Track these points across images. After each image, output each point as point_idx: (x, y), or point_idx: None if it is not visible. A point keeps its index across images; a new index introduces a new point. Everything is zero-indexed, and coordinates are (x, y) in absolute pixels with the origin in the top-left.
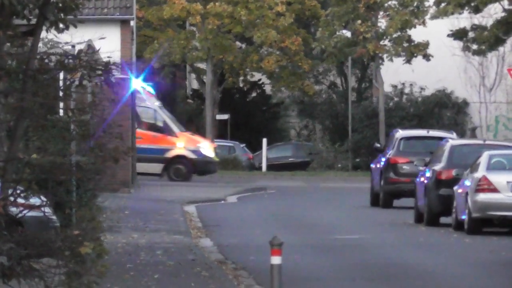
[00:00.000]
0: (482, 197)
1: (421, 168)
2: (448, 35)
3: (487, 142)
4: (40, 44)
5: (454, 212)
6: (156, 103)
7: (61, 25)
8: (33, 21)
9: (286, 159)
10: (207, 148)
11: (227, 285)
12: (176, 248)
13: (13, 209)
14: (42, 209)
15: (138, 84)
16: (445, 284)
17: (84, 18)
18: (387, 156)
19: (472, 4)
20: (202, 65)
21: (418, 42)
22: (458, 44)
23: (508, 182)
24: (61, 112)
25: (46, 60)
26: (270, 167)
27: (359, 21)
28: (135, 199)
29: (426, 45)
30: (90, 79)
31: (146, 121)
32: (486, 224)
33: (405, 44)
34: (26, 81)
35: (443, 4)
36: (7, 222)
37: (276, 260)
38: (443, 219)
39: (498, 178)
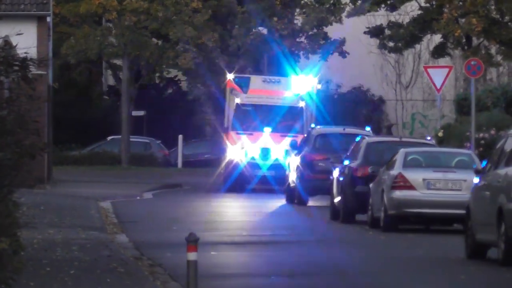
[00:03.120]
0: (398, 194)
1: (336, 165)
2: (365, 32)
3: (403, 139)
4: None
5: (370, 209)
6: None
7: None
8: None
9: (202, 156)
10: None
11: (143, 281)
12: (92, 244)
13: None
14: None
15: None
16: (361, 280)
17: (0, 14)
18: (303, 153)
19: (389, 1)
20: (118, 62)
21: (334, 39)
22: (375, 41)
23: (424, 180)
24: None
25: None
26: (186, 163)
27: (275, 18)
28: (51, 195)
29: (342, 42)
30: (7, 75)
31: None
32: (402, 221)
33: (321, 41)
34: None
35: (359, 2)
36: None
37: (192, 256)
38: (358, 216)
39: (414, 176)
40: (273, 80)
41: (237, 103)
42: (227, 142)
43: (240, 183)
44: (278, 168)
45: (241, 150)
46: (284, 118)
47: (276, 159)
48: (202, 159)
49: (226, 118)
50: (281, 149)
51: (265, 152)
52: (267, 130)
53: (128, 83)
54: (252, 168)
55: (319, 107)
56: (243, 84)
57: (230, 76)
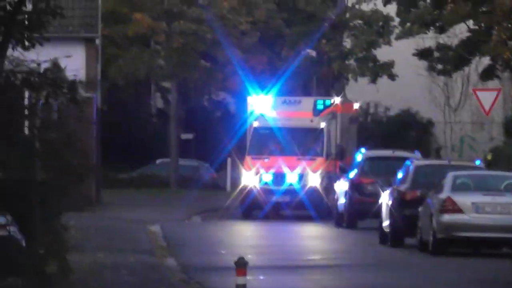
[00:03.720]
0: (447, 218)
1: (385, 188)
2: (413, 55)
3: (452, 162)
4: (6, 62)
5: (419, 232)
6: None
7: (27, 43)
8: None
9: None
10: None
11: None
12: (141, 268)
13: None
14: (8, 228)
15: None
16: None
17: (49, 36)
18: (352, 176)
19: (437, 24)
20: (166, 84)
21: (383, 61)
22: (423, 64)
23: (472, 203)
24: (27, 129)
25: (12, 78)
26: (235, 186)
27: (324, 41)
28: (100, 218)
29: (391, 64)
30: (56, 97)
31: None
32: (451, 245)
33: (370, 64)
34: None
35: (408, 24)
36: None
37: (241, 280)
38: (407, 240)
39: (463, 199)
40: (293, 101)
41: (254, 127)
42: (242, 168)
43: (254, 209)
44: (292, 194)
45: (255, 175)
46: (303, 141)
47: (290, 184)
48: None
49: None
50: (296, 174)
51: (279, 177)
52: (284, 154)
53: (177, 106)
54: (266, 194)
55: (342, 129)
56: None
57: (249, 99)
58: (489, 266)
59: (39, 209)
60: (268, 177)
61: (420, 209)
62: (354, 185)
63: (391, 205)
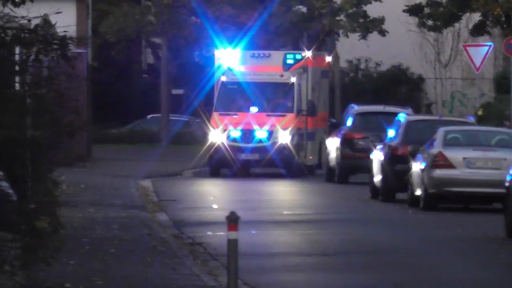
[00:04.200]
0: (438, 173)
1: (376, 143)
2: (404, 11)
3: (442, 118)
4: None
5: (410, 187)
6: None
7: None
8: None
9: None
10: None
11: (184, 260)
12: (132, 223)
13: None
14: None
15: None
16: (399, 259)
17: None
18: (343, 131)
19: None
20: (157, 40)
21: (373, 17)
22: (414, 20)
23: (464, 158)
24: (17, 86)
25: (2, 35)
26: None
27: None
28: (91, 173)
29: (381, 20)
30: (46, 53)
31: None
32: (442, 200)
33: (361, 20)
34: None
35: None
36: None
37: (232, 235)
38: (398, 195)
39: (454, 154)
40: (262, 55)
41: (222, 81)
42: (211, 124)
43: (222, 167)
44: (262, 151)
45: (223, 132)
46: (273, 96)
47: (260, 141)
48: None
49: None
50: (266, 130)
51: (247, 134)
52: (253, 110)
53: (168, 62)
54: (234, 151)
55: (314, 83)
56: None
57: (216, 52)
58: (480, 221)
59: (30, 166)
60: (236, 134)
61: (411, 164)
62: (345, 141)
63: (383, 160)
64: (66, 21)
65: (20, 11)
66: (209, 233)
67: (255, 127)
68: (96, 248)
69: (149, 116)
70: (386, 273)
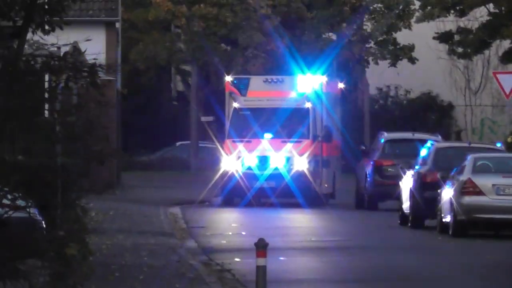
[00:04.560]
0: (468, 200)
1: (406, 170)
2: (434, 38)
3: (472, 145)
4: (26, 46)
5: (439, 214)
6: None
7: (47, 27)
8: (19, 22)
9: None
10: None
11: (212, 286)
12: (161, 250)
13: None
14: (28, 210)
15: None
16: (431, 286)
17: (69, 19)
18: (373, 158)
19: (458, 7)
20: (187, 67)
21: (403, 45)
22: (444, 47)
23: (493, 185)
24: (47, 113)
25: (32, 62)
26: None
27: (345, 24)
28: (120, 200)
29: (411, 48)
30: (76, 81)
31: None
32: (471, 227)
33: (391, 47)
34: (12, 82)
35: (429, 8)
36: None
37: (261, 261)
38: (428, 222)
39: (484, 181)
40: (275, 80)
41: (234, 108)
42: (222, 152)
43: (236, 195)
44: (278, 178)
45: (237, 159)
46: (287, 122)
47: (276, 168)
48: None
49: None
50: (282, 157)
51: (263, 160)
52: (267, 136)
53: (197, 89)
54: (248, 179)
55: (328, 109)
56: (241, 86)
57: (228, 78)
58: (510, 248)
59: (59, 193)
60: (251, 161)
61: (440, 191)
62: (375, 167)
63: (412, 187)
64: (95, 49)
65: (50, 39)
66: (237, 259)
67: (270, 153)
68: (125, 275)
69: (178, 143)
70: None
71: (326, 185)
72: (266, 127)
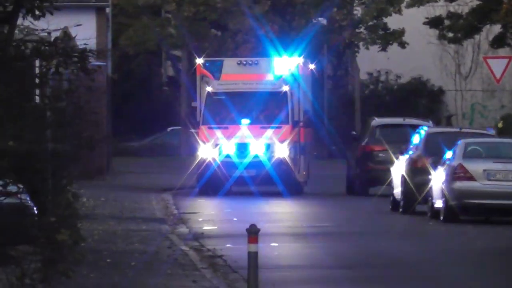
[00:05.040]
0: (459, 185)
1: (397, 156)
2: (424, 23)
3: (463, 130)
4: (16, 31)
5: (430, 200)
6: None
7: (37, 12)
8: (9, 8)
9: None
10: None
11: (204, 272)
12: (153, 236)
13: None
14: (19, 196)
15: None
16: (422, 272)
17: (60, 5)
18: (363, 143)
19: None
20: (177, 53)
21: (393, 30)
22: (434, 32)
23: (484, 170)
24: (37, 99)
25: (22, 47)
26: None
27: (335, 9)
28: (111, 186)
29: (401, 33)
30: (66, 66)
31: None
32: (462, 212)
33: (381, 32)
34: (2, 68)
35: None
36: None
37: (253, 247)
38: (419, 207)
39: (475, 166)
40: (250, 62)
41: (207, 92)
42: (198, 139)
43: (214, 185)
44: (258, 166)
45: (214, 147)
46: (265, 107)
47: (256, 156)
48: None
49: (197, 110)
50: (262, 144)
51: (242, 148)
52: (245, 122)
53: (187, 74)
54: (227, 168)
55: (306, 92)
56: (214, 69)
57: (199, 61)
58: (501, 234)
59: (50, 179)
60: (229, 149)
61: (431, 176)
62: (366, 153)
63: (403, 172)
64: (86, 34)
65: (40, 24)
66: (229, 245)
67: (250, 140)
68: (117, 261)
69: (169, 128)
70: (407, 286)
71: (304, 172)
72: (243, 112)
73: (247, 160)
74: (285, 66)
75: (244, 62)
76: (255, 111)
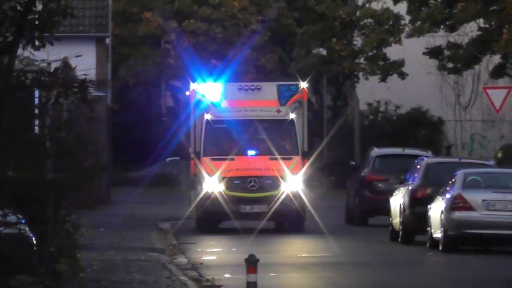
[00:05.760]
0: (458, 215)
1: (396, 186)
2: (424, 53)
3: (462, 160)
4: (16, 62)
5: (430, 230)
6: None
7: (37, 43)
8: (10, 38)
9: None
10: None
11: None
12: (152, 265)
13: None
14: (18, 226)
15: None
16: None
17: (60, 35)
18: (363, 174)
19: (448, 22)
20: (177, 83)
21: (393, 60)
22: (434, 62)
23: (483, 201)
24: (37, 129)
25: (23, 78)
26: None
27: (335, 39)
28: (110, 216)
29: (401, 63)
30: (66, 96)
31: None
32: (462, 242)
33: (381, 62)
34: (3, 98)
35: (418, 23)
36: None
37: (252, 277)
38: (418, 237)
39: (474, 196)
40: (252, 87)
41: (206, 120)
42: (202, 171)
43: (217, 221)
44: (268, 201)
45: (220, 180)
46: (272, 136)
47: (267, 190)
48: None
49: (192, 139)
50: (273, 177)
51: (252, 182)
52: (251, 152)
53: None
54: (235, 203)
55: (309, 119)
56: (213, 95)
57: (194, 86)
58: (501, 264)
59: (50, 209)
60: (238, 182)
61: (430, 206)
62: (365, 183)
63: (402, 202)
64: (86, 64)
65: (40, 54)
66: (228, 275)
67: (260, 173)
68: None
69: (168, 159)
70: None
71: (309, 208)
72: (249, 142)
73: (257, 195)
74: (289, 92)
75: (246, 87)
76: (261, 141)
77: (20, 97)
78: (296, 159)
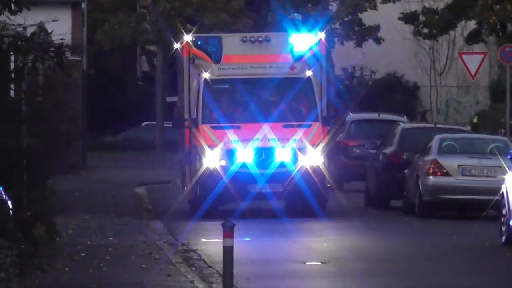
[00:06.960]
0: (433, 180)
1: (371, 151)
2: (399, 19)
3: (438, 125)
4: None
5: (405, 195)
6: None
7: (13, 7)
8: None
9: None
10: None
11: (178, 266)
12: (127, 230)
13: None
14: None
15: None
16: (397, 267)
17: (36, 0)
18: (338, 139)
19: None
20: (152, 48)
21: (369, 25)
22: (409, 28)
23: (459, 166)
24: (13, 94)
25: None
26: None
27: (310, 5)
28: (86, 181)
29: (377, 28)
30: (43, 61)
31: None
32: (437, 207)
33: (356, 28)
34: None
35: None
36: None
37: (228, 242)
38: (393, 202)
39: (449, 162)
40: (260, 39)
41: (205, 79)
42: (201, 142)
43: (223, 203)
44: (284, 179)
45: (224, 154)
46: (285, 98)
47: (282, 165)
48: None
49: (186, 104)
50: (289, 149)
51: (265, 155)
52: (261, 119)
53: (162, 69)
54: (244, 181)
55: (332, 78)
56: (211, 49)
57: (188, 38)
58: (475, 229)
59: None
60: (247, 156)
61: (406, 171)
62: (341, 148)
63: (378, 167)
64: (61, 29)
65: (17, 19)
66: (203, 240)
67: (274, 144)
68: (91, 255)
69: (144, 123)
70: (381, 280)
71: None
72: (256, 106)
73: (270, 170)
74: (305, 44)
75: (252, 39)
76: (272, 105)
77: None
78: (316, 126)
